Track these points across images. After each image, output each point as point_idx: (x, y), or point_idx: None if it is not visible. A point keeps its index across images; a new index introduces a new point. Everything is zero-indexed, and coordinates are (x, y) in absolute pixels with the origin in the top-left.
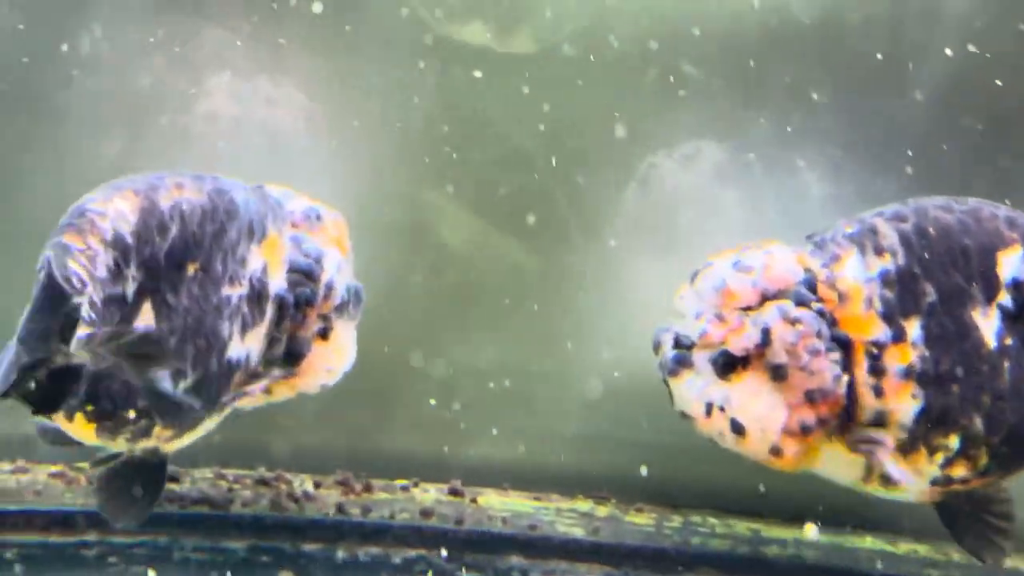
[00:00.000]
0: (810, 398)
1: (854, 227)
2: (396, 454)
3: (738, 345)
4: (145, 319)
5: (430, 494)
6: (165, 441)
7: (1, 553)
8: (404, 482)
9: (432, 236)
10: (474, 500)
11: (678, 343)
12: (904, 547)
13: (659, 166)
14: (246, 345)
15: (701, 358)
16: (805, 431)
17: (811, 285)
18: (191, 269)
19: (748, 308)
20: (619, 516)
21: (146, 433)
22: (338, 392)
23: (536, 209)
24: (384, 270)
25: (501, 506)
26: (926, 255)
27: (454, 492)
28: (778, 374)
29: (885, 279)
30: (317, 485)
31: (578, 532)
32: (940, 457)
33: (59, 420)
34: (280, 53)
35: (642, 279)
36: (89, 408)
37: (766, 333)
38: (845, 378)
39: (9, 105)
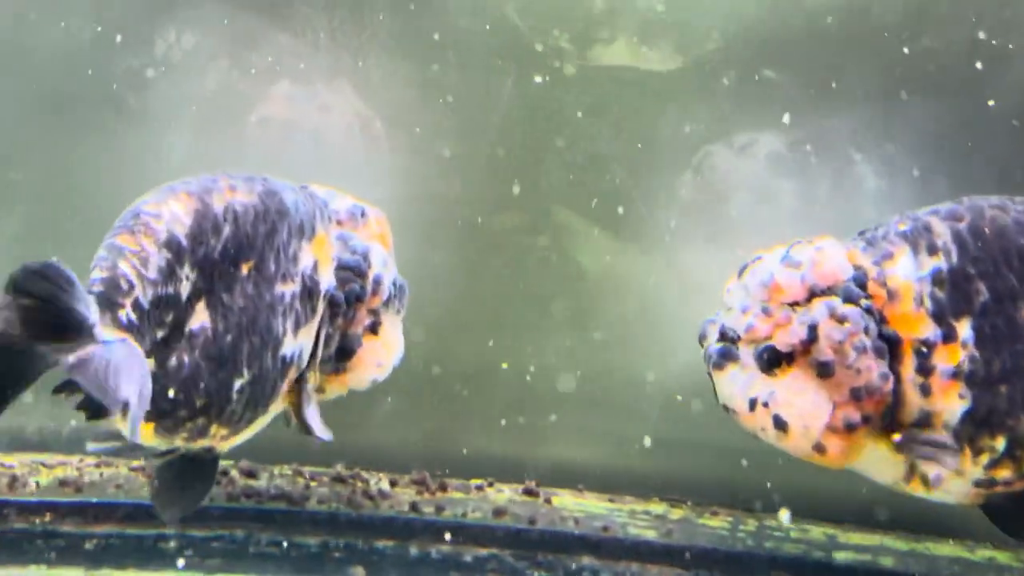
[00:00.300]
0: (856, 396)
1: (908, 224)
2: (473, 454)
3: (784, 341)
4: (199, 319)
5: (504, 494)
6: (221, 440)
7: (82, 543)
8: (479, 482)
9: (509, 239)
10: (548, 501)
11: (723, 336)
12: (981, 553)
13: (736, 168)
14: (299, 341)
15: (746, 352)
16: (850, 429)
17: (861, 282)
18: (245, 268)
19: (795, 303)
20: (693, 519)
21: (203, 432)
22: (417, 392)
23: (614, 211)
24: (462, 271)
25: (575, 507)
26: (980, 255)
27: (529, 492)
28: (824, 371)
29: (936, 278)
30: (393, 483)
31: (650, 534)
32: (985, 458)
33: (117, 422)
34: (361, 59)
35: (721, 281)
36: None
37: (813, 330)
38: (891, 377)
39: (86, 106)
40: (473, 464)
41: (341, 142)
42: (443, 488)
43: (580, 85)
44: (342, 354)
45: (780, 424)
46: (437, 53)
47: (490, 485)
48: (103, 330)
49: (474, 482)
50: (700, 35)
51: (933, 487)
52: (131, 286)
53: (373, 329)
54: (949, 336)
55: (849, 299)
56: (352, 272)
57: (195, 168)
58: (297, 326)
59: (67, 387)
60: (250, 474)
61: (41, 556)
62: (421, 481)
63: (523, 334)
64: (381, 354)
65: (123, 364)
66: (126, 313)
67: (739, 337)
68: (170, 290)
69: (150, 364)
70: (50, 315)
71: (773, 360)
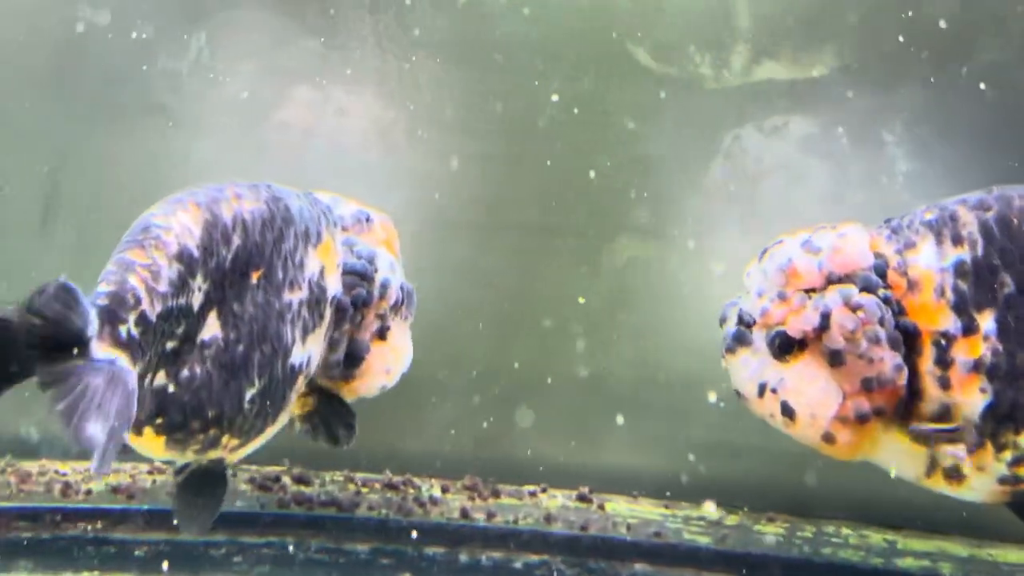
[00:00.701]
0: (867, 386)
1: (934, 213)
2: (526, 460)
3: (796, 327)
4: (211, 329)
5: (557, 500)
6: (231, 451)
7: (132, 550)
8: (532, 488)
9: (563, 241)
10: (601, 507)
11: (740, 320)
12: None
13: (800, 168)
14: (307, 349)
15: (759, 337)
16: (861, 420)
17: (881, 271)
18: (254, 277)
19: (812, 290)
20: (748, 525)
21: (214, 443)
22: (470, 397)
23: (663, 210)
24: (515, 274)
25: (628, 513)
26: (1007, 246)
27: (582, 498)
28: (835, 360)
29: (959, 269)
30: (445, 490)
31: (704, 540)
32: (1008, 455)
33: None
34: (408, 62)
35: None
36: (159, 421)
37: (825, 317)
38: (905, 369)
39: (135, 114)
40: (526, 470)
41: (387, 146)
42: (495, 494)
43: (629, 86)
44: (350, 360)
45: (788, 411)
46: (484, 56)
47: (543, 491)
48: (99, 345)
49: (527, 488)
50: (743, 30)
51: (952, 479)
52: (138, 300)
53: (381, 335)
54: (970, 328)
55: (867, 288)
56: (358, 277)
57: (244, 174)
58: (305, 333)
59: None
60: (302, 481)
61: (93, 563)
62: (473, 487)
63: (576, 338)
64: (390, 360)
65: (99, 394)
66: (127, 328)
67: (754, 321)
68: (182, 302)
69: (160, 377)
70: (51, 327)
71: (785, 346)
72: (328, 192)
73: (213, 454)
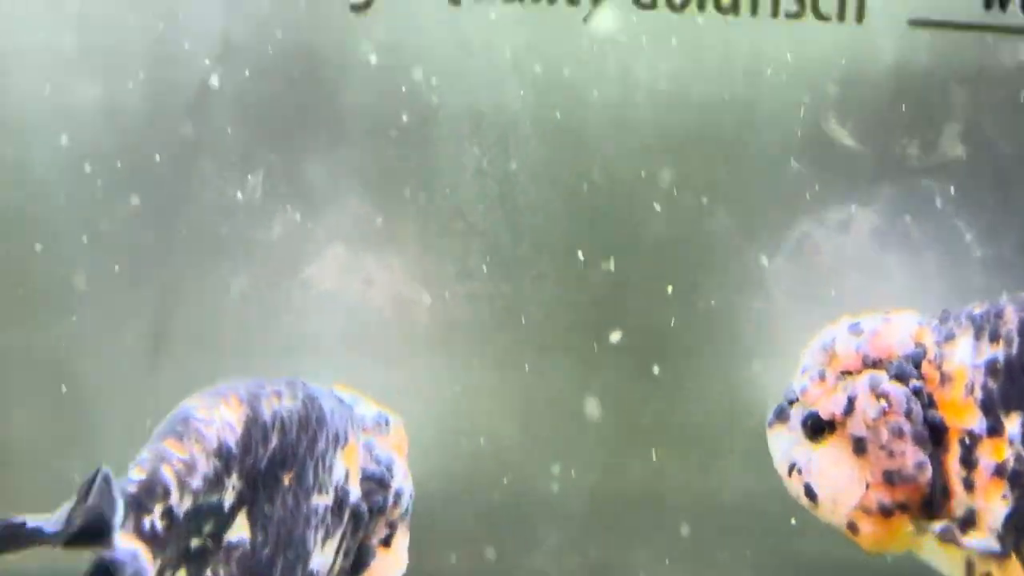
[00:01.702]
0: (889, 479)
1: (983, 307)
2: None
3: (826, 409)
4: (239, 530)
5: None
6: None
7: None
8: None
9: (668, 360)
10: None
11: (787, 398)
12: None
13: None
14: (325, 554)
15: (796, 415)
16: (884, 512)
17: (917, 361)
18: (286, 479)
19: (849, 372)
20: None
21: None
22: (581, 522)
23: (777, 325)
24: (623, 395)
25: None
26: None
27: None
28: (858, 447)
29: (991, 367)
30: None
31: None
32: None
33: None
34: (511, 183)
35: None
36: None
37: (852, 401)
38: (929, 467)
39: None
40: None
41: (487, 273)
42: None
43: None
44: (356, 568)
45: (810, 494)
46: (583, 177)
47: None
48: (122, 535)
49: None
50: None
51: None
52: (167, 493)
53: (387, 542)
54: (995, 430)
55: (899, 376)
56: (376, 483)
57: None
58: (326, 539)
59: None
60: None
61: None
62: None
63: (689, 459)
64: (392, 568)
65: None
66: (151, 520)
67: (796, 399)
68: (213, 499)
69: None
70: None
71: (816, 427)
72: (349, 389)
73: None
